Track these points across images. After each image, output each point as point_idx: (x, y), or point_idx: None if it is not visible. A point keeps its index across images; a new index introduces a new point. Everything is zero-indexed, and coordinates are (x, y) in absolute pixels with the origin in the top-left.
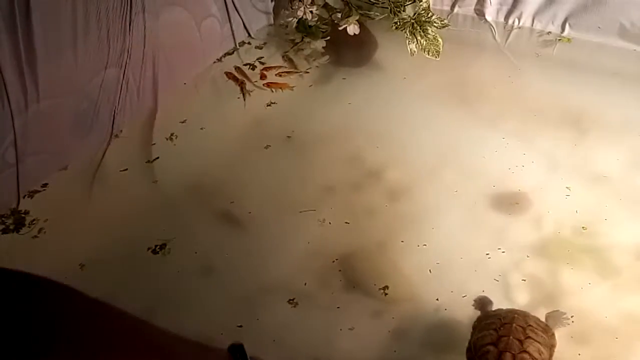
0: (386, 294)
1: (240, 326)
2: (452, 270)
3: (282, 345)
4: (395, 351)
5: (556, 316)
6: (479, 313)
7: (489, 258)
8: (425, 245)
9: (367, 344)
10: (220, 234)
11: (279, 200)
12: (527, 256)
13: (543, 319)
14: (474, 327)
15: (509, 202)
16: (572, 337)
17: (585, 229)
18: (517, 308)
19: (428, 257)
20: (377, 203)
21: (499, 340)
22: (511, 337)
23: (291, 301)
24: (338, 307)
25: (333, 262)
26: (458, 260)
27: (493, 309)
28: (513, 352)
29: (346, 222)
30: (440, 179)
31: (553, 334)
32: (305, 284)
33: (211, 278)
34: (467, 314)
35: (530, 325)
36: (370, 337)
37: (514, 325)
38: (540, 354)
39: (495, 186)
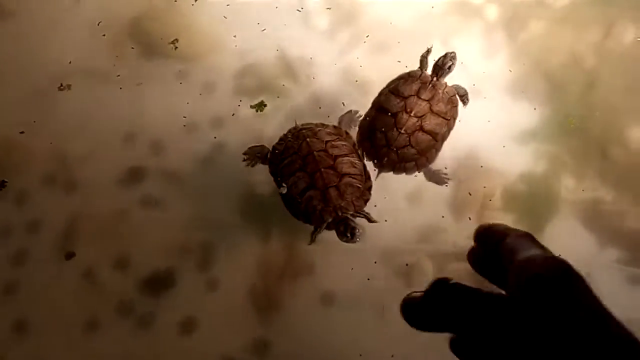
0: (176, 48)
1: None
2: (249, 7)
3: (95, 122)
4: (224, 105)
5: (349, 117)
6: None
7: None
8: None
9: (179, 107)
10: None
11: None
12: None
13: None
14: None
15: None
16: (372, 51)
17: None
18: (300, 125)
19: (226, 3)
20: None
21: (314, 179)
22: (322, 169)
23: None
24: (140, 84)
25: (125, 28)
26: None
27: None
28: (334, 184)
29: None
30: None
31: (347, 133)
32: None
33: None
34: (272, 55)
35: (328, 142)
36: (182, 98)
37: (314, 153)
38: (354, 166)
39: None
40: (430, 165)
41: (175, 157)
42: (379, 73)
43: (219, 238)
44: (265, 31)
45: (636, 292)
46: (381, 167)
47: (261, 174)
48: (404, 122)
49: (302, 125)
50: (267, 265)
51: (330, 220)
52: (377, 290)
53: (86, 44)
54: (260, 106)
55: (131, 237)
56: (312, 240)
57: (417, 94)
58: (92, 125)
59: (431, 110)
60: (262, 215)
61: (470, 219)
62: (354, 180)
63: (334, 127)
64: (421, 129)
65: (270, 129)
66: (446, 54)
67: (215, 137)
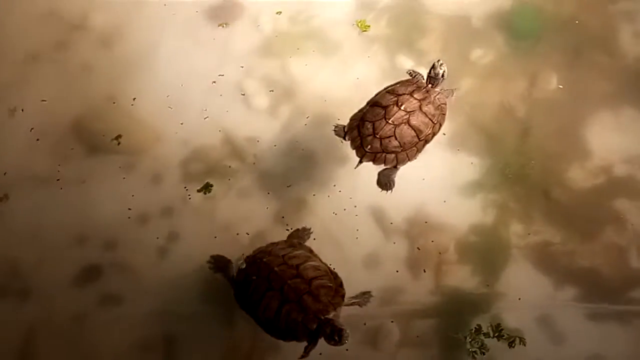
0: (119, 143)
1: None
2: (190, 99)
3: (42, 228)
4: (172, 195)
5: (298, 234)
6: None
7: (222, 76)
8: (155, 81)
9: (125, 200)
10: None
11: None
12: (257, 60)
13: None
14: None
15: (223, 13)
16: (313, 126)
17: (281, 13)
18: (252, 252)
19: (162, 93)
20: (92, 55)
21: (284, 293)
22: (288, 281)
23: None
24: (84, 182)
25: (66, 130)
26: (193, 87)
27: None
28: (306, 291)
29: (62, 90)
30: (148, 6)
31: (299, 242)
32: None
33: None
34: (215, 139)
35: (284, 255)
36: (130, 192)
37: (275, 269)
38: (318, 269)
39: None
40: (393, 175)
41: (129, 252)
42: (322, 144)
43: (182, 330)
44: (209, 116)
45: (597, 328)
46: (363, 155)
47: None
48: (393, 113)
49: (254, 252)
50: (233, 352)
51: (315, 327)
52: None
53: (23, 152)
54: (207, 188)
55: (92, 342)
56: (306, 354)
57: (411, 94)
58: (40, 230)
59: (420, 109)
60: (223, 301)
61: (425, 271)
62: (324, 281)
63: (284, 242)
64: (408, 122)
65: (222, 212)
66: (434, 65)
67: (168, 228)
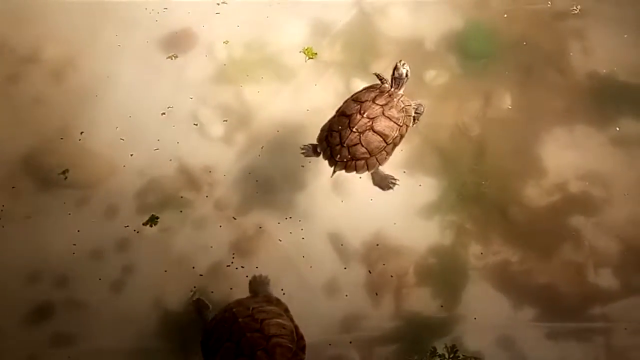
0: (66, 178)
1: None
2: (144, 129)
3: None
4: (126, 227)
5: (258, 281)
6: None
7: (171, 108)
8: (108, 113)
9: (83, 235)
10: None
11: None
12: (210, 89)
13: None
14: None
15: (176, 42)
16: (269, 152)
17: (228, 42)
18: (236, 299)
19: (115, 125)
20: (43, 88)
21: (239, 346)
22: (247, 334)
23: None
24: (29, 217)
25: (14, 166)
26: (146, 118)
27: None
28: (262, 347)
29: (12, 124)
30: (100, 39)
31: (277, 299)
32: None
33: None
34: (169, 170)
35: (254, 308)
36: (80, 226)
37: (239, 320)
38: (283, 327)
39: (158, 25)
40: (381, 169)
41: (83, 287)
42: (278, 172)
43: None
44: (162, 147)
45: (556, 346)
46: (335, 165)
47: (178, 291)
48: (356, 121)
49: (234, 301)
50: None
51: None
52: None
53: None
54: (153, 220)
55: None
56: None
57: (373, 100)
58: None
59: (383, 114)
60: (178, 337)
61: (383, 295)
62: (283, 340)
63: (264, 296)
64: (372, 129)
65: (178, 243)
66: (396, 65)
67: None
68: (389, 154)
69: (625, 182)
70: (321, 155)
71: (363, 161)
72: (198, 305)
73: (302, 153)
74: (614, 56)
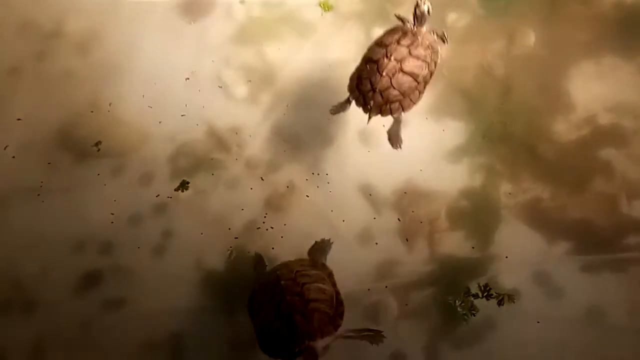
0: (99, 150)
1: None
2: (170, 95)
3: (34, 246)
4: (158, 195)
5: (318, 247)
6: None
7: (194, 72)
8: (135, 84)
9: (120, 204)
10: None
11: None
12: (232, 49)
13: None
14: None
15: (195, 7)
16: (295, 109)
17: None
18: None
19: (142, 94)
20: (70, 62)
21: (279, 309)
22: (287, 297)
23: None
24: (67, 191)
25: (49, 142)
26: (172, 84)
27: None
28: (300, 311)
29: (45, 100)
30: (122, 7)
31: (323, 264)
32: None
33: None
34: (198, 134)
35: (298, 271)
36: (117, 196)
37: (281, 283)
38: (323, 292)
39: None
40: (401, 125)
41: (127, 254)
42: (305, 128)
43: (185, 326)
44: (190, 111)
45: (591, 279)
46: (369, 112)
47: (217, 252)
48: (384, 65)
49: (280, 263)
50: (237, 343)
51: (297, 349)
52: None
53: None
54: (184, 186)
55: (99, 346)
56: None
57: (398, 41)
58: (36, 242)
59: (410, 54)
60: (222, 294)
61: (418, 241)
62: (322, 305)
63: (311, 259)
64: (401, 70)
65: (214, 205)
66: (417, 3)
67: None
68: (421, 92)
69: None
70: (352, 105)
71: (397, 103)
72: (256, 262)
73: (332, 112)
74: None
